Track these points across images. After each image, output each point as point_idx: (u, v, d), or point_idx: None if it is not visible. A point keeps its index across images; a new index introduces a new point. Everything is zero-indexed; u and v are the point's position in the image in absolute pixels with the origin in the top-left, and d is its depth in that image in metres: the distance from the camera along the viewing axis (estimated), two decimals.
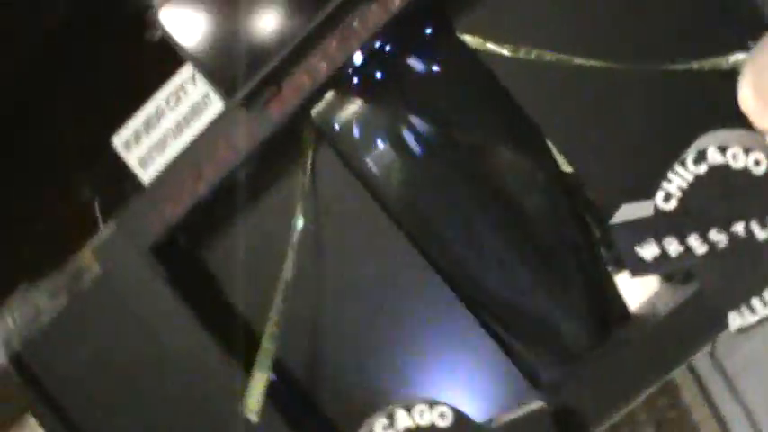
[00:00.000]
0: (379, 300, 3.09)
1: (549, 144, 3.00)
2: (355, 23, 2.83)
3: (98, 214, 3.35)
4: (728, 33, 2.71)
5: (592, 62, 2.73)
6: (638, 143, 2.90)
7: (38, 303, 3.12)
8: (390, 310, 3.09)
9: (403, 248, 3.04)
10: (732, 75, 2.58)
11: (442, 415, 2.64)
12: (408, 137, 3.01)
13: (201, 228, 3.13)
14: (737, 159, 2.47)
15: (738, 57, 2.60)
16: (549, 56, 2.76)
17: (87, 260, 3.26)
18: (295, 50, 2.85)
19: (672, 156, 2.56)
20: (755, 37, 2.59)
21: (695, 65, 2.68)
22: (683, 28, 2.84)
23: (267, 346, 2.96)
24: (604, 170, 2.94)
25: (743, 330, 2.54)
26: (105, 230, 3.19)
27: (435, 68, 3.01)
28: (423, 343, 3.09)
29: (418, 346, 3.09)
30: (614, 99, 2.89)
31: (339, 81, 2.99)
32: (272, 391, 2.91)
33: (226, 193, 3.02)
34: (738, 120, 2.55)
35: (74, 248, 3.24)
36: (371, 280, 3.08)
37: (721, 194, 2.52)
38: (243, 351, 3.00)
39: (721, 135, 2.56)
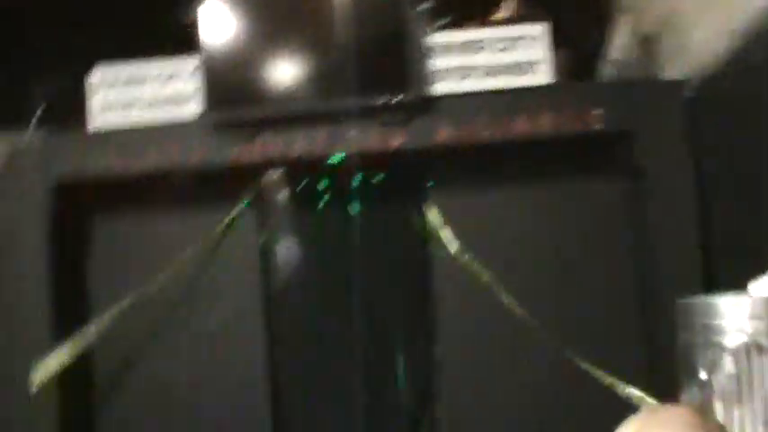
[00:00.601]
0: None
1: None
2: (351, 133, 2.88)
3: (34, 119, 3.32)
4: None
5: (522, 315, 2.77)
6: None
7: None
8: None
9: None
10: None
11: None
12: (312, 258, 3.10)
13: (109, 202, 3.12)
14: None
15: (633, 392, 2.69)
16: (484, 279, 2.81)
17: None
18: (290, 117, 2.89)
19: None
20: None
21: (601, 375, 2.74)
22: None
23: (79, 339, 2.95)
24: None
25: None
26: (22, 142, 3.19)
27: (377, 217, 3.05)
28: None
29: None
30: (522, 360, 2.94)
31: (300, 165, 3.02)
32: None
33: (150, 186, 3.05)
34: None
35: None
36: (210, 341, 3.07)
37: None
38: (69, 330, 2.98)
39: None
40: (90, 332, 2.95)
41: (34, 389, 2.89)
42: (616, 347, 2.87)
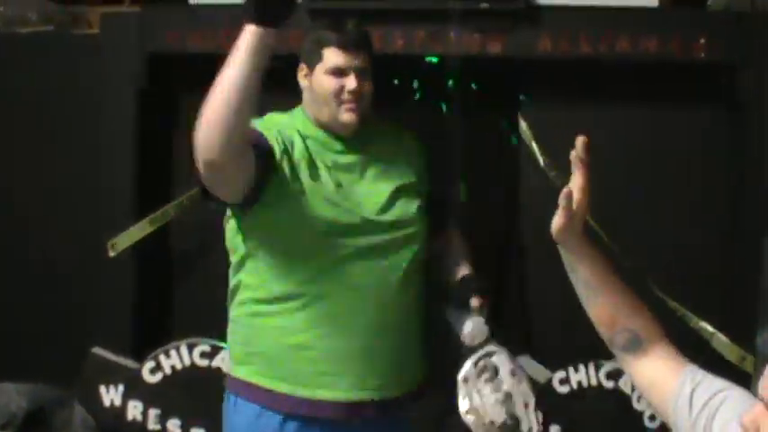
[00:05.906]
0: None
1: None
2: (451, 35, 2.83)
3: None
4: None
5: (605, 237, 2.75)
6: None
7: None
8: None
9: None
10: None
11: None
12: None
13: (201, 79, 3.09)
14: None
15: (705, 326, 2.69)
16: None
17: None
18: (389, 12, 2.85)
19: None
20: None
21: (676, 306, 2.75)
22: None
23: (169, 209, 3.01)
24: None
25: None
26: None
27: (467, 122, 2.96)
28: None
29: None
30: None
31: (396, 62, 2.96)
32: None
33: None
34: None
35: None
36: None
37: None
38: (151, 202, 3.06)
39: None
40: (171, 207, 3.02)
41: (113, 254, 2.97)
42: (696, 279, 2.84)
